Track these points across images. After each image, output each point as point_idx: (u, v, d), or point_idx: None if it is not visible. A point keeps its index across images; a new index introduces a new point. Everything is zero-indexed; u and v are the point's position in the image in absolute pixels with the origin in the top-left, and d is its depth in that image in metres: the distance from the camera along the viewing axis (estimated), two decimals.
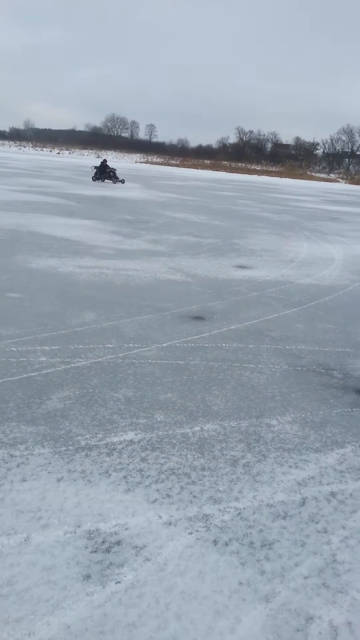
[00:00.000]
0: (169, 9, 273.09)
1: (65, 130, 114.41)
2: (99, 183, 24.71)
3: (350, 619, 1.94)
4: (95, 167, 26.21)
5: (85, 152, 79.17)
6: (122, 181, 25.52)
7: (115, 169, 26.46)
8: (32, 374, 3.72)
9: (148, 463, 2.80)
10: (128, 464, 2.77)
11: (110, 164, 28.56)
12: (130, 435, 3.05)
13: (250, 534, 2.34)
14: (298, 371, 4.24)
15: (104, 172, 25.67)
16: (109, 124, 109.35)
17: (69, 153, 75.05)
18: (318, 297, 6.76)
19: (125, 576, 2.03)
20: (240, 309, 5.87)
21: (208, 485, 2.65)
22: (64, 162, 44.70)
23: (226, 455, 2.95)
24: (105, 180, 25.64)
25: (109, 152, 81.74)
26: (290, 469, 2.86)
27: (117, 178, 25.63)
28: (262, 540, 2.30)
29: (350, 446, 3.17)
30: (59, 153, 73.04)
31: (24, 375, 3.68)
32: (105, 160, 27.09)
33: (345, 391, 3.95)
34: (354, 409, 3.67)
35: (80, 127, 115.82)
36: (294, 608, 1.96)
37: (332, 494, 2.68)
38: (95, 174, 25.85)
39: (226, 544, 2.26)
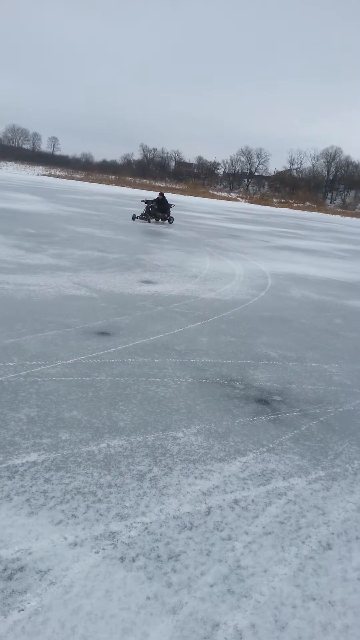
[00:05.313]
0: (74, 22, 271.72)
1: None
2: None
3: (254, 621, 2.02)
4: (147, 202, 20.34)
5: None
6: (170, 220, 20.50)
7: (172, 205, 20.93)
8: None
9: (52, 484, 2.72)
10: (31, 486, 2.68)
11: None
12: (33, 457, 2.95)
13: (157, 547, 2.35)
14: (202, 383, 4.35)
15: (155, 209, 20.05)
16: (9, 134, 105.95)
17: None
18: (221, 311, 6.99)
19: (28, 603, 1.95)
20: (146, 323, 5.92)
21: (115, 502, 2.63)
22: None
23: (133, 470, 2.94)
24: (158, 220, 20.34)
25: (9, 164, 79.04)
26: (195, 480, 2.92)
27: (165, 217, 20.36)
28: (168, 553, 2.32)
29: (252, 454, 3.30)
30: None
31: None
32: (161, 194, 20.86)
33: (247, 401, 4.11)
34: (255, 418, 3.83)
35: None
36: (200, 617, 2.00)
37: (236, 502, 2.77)
38: (147, 209, 20.00)
39: (133, 560, 2.25)
